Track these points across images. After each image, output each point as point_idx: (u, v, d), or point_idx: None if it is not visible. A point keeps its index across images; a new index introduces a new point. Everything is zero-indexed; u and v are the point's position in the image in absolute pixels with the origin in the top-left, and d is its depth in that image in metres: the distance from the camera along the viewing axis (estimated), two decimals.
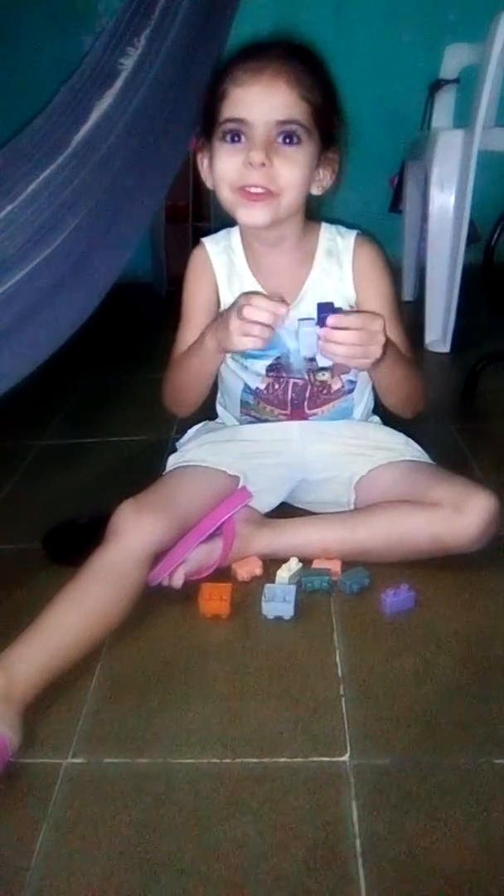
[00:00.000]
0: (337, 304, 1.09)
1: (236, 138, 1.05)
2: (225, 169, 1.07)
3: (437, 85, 2.58)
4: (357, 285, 1.20)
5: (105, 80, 1.29)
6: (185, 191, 2.96)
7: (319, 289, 1.20)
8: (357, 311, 1.14)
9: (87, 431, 1.80)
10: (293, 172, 1.06)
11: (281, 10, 2.85)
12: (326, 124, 1.08)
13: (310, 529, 1.20)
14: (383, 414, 1.37)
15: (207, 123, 1.09)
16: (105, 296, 1.34)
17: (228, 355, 1.26)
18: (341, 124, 1.11)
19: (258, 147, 1.03)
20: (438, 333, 2.25)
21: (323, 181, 1.14)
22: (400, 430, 1.30)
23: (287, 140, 1.05)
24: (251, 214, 1.09)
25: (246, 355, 1.22)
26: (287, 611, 1.06)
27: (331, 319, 0.96)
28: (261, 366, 1.23)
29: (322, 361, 1.17)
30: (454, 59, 2.54)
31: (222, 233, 1.24)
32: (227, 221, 1.19)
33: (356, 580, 1.12)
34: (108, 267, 1.27)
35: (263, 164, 1.03)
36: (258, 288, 1.19)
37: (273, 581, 1.13)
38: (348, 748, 0.86)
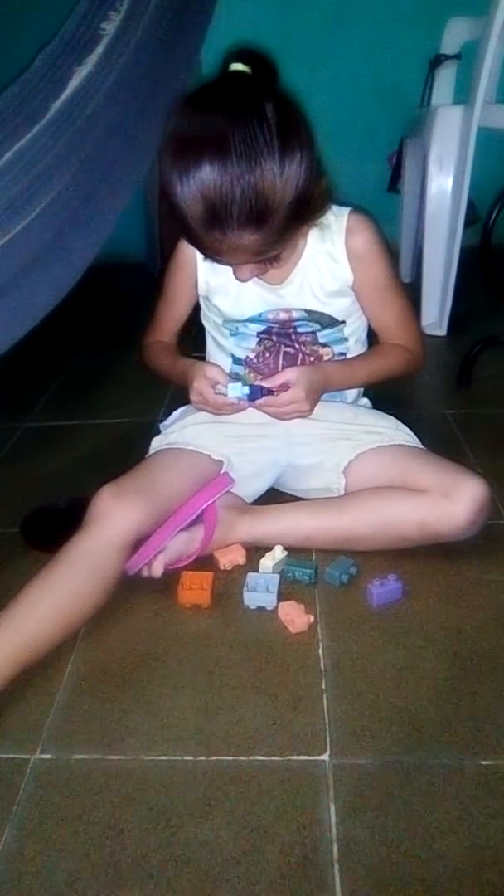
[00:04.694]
0: (333, 287, 1.16)
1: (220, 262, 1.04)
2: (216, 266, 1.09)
3: (437, 60, 2.50)
4: (353, 265, 1.16)
5: (85, 46, 1.24)
6: None
7: (312, 271, 1.16)
8: (284, 391, 1.11)
9: (72, 413, 1.76)
10: (281, 263, 1.07)
11: None
12: (305, 211, 0.99)
13: (293, 516, 1.17)
14: (374, 397, 1.34)
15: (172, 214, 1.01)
16: (95, 274, 1.30)
17: (216, 329, 1.24)
18: (321, 177, 1.00)
19: (241, 270, 1.04)
20: (435, 316, 2.20)
21: (315, 213, 1.07)
22: (393, 415, 1.26)
23: (270, 259, 1.03)
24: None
25: (238, 321, 1.20)
26: (269, 601, 1.03)
27: (259, 401, 1.10)
28: (254, 329, 1.20)
29: None
30: (455, 34, 2.47)
31: None
32: None
33: (343, 570, 1.08)
34: (88, 242, 1.23)
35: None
36: None
37: (256, 570, 1.09)
38: (328, 746, 0.82)
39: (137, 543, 1.04)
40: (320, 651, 0.96)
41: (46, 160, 1.17)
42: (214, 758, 0.82)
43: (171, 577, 1.07)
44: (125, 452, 1.32)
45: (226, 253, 0.98)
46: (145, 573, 1.07)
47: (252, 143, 0.89)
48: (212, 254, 0.99)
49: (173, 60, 1.29)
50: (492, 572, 1.10)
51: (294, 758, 0.81)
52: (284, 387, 1.09)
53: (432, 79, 2.52)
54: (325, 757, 0.81)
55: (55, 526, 1.20)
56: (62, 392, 1.92)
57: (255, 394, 1.09)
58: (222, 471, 1.18)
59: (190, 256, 1.19)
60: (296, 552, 1.12)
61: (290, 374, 1.10)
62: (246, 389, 1.08)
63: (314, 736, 0.84)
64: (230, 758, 0.82)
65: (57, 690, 0.92)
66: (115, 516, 1.02)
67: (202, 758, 0.82)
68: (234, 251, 0.97)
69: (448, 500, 1.06)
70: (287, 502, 1.21)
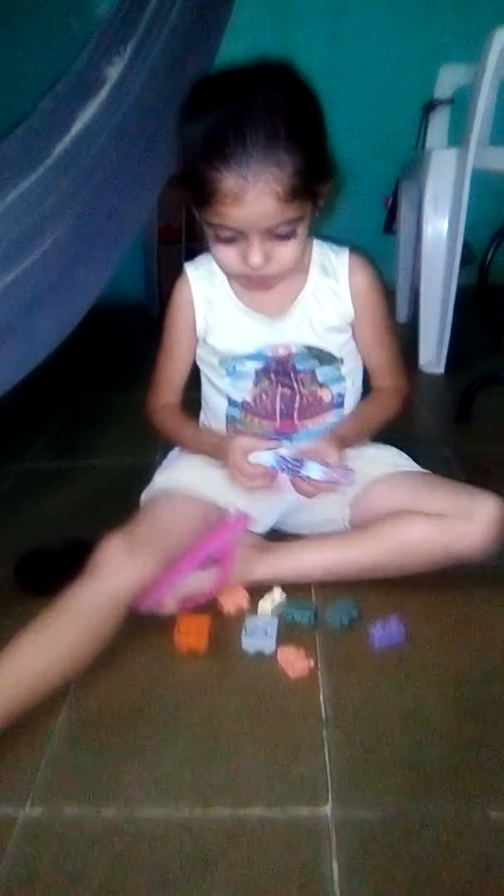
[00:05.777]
0: (333, 322, 1.17)
1: (231, 241, 1.01)
2: (223, 262, 1.06)
3: (431, 105, 2.56)
4: (355, 302, 1.17)
5: (90, 90, 1.25)
6: (177, 213, 2.93)
7: (313, 305, 1.16)
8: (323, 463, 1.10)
9: (68, 454, 1.74)
10: (292, 254, 1.04)
11: (276, 30, 2.85)
12: (318, 187, 1.01)
13: (315, 550, 1.15)
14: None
15: (187, 187, 1.01)
16: (95, 316, 1.30)
17: (212, 369, 1.22)
18: (332, 169, 1.03)
19: (256, 249, 1.00)
20: (433, 355, 2.20)
21: (324, 197, 1.06)
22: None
23: (283, 235, 1.01)
24: (255, 292, 1.12)
25: (235, 358, 1.18)
26: (268, 646, 1.00)
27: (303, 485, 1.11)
28: (251, 367, 1.18)
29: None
30: (448, 80, 2.52)
31: (203, 257, 1.20)
32: None
33: (344, 612, 1.06)
34: (91, 282, 1.23)
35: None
36: (242, 308, 1.16)
37: (255, 612, 1.07)
38: (330, 798, 0.79)
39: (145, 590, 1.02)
40: (321, 697, 0.93)
41: (50, 201, 1.17)
42: (212, 811, 0.78)
43: (167, 621, 1.05)
44: (123, 494, 1.30)
45: (244, 203, 0.95)
46: (157, 611, 1.04)
47: (271, 86, 0.95)
48: (229, 208, 0.96)
49: (175, 104, 1.30)
50: (495, 612, 1.08)
51: (295, 810, 0.78)
52: (313, 454, 1.10)
53: (426, 122, 2.57)
54: (328, 809, 0.78)
55: (51, 569, 1.17)
56: (58, 433, 1.91)
57: (285, 464, 1.09)
58: (238, 510, 1.16)
59: (186, 296, 1.18)
60: (294, 593, 1.10)
61: (321, 448, 1.10)
62: (272, 458, 1.10)
63: (315, 787, 0.81)
64: (228, 811, 0.78)
65: (48, 740, 0.88)
66: (122, 570, 0.99)
67: (199, 812, 0.78)
68: (253, 199, 0.94)
69: (467, 521, 1.06)
70: (303, 538, 1.19)
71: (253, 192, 0.94)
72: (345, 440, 1.15)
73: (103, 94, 1.23)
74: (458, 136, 2.17)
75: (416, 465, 1.23)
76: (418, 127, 2.60)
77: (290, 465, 1.09)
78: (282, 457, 1.10)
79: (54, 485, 1.58)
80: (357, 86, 2.87)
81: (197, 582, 1.08)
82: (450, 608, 1.09)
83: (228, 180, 0.94)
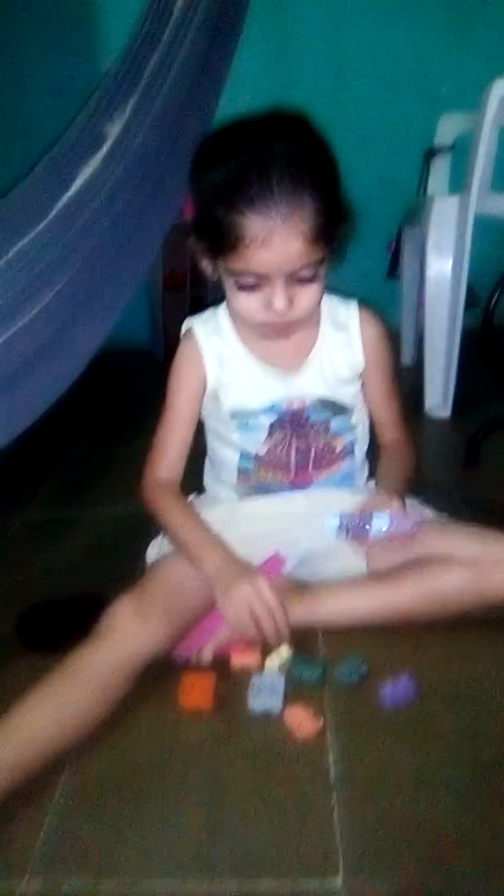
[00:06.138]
0: (345, 374, 1.18)
1: (253, 288, 1.01)
2: (245, 310, 1.05)
3: (431, 153, 2.60)
4: (366, 354, 1.18)
5: (90, 147, 1.27)
6: (183, 259, 2.97)
7: (326, 358, 1.17)
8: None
9: (72, 505, 1.73)
10: (314, 298, 1.05)
11: (280, 82, 2.90)
12: (337, 228, 1.02)
13: (351, 595, 1.12)
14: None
15: (207, 236, 1.01)
16: (100, 361, 1.29)
17: (221, 424, 1.20)
18: (348, 211, 1.04)
19: (280, 293, 1.00)
20: (439, 398, 2.19)
21: (340, 241, 1.07)
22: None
23: (306, 279, 1.01)
24: (275, 340, 1.11)
25: (249, 413, 1.17)
26: (275, 705, 0.97)
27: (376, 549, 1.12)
28: (265, 421, 1.17)
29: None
30: (448, 128, 2.57)
31: (208, 313, 1.20)
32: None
33: (354, 669, 1.03)
34: (92, 335, 1.23)
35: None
36: (256, 364, 1.15)
37: (262, 669, 1.04)
38: (341, 869, 0.76)
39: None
40: (330, 760, 0.90)
41: (50, 257, 1.18)
42: (218, 885, 0.75)
43: (172, 679, 1.02)
44: (128, 545, 1.28)
45: (272, 246, 0.95)
46: (194, 659, 1.03)
47: (289, 132, 0.98)
48: (256, 252, 0.95)
49: (175, 161, 1.32)
50: None
51: (305, 882, 0.75)
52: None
53: (427, 170, 2.61)
54: (339, 881, 0.75)
55: (54, 625, 1.16)
56: (62, 483, 1.89)
57: (351, 522, 1.08)
58: (274, 551, 1.14)
59: (195, 355, 1.16)
60: (301, 649, 1.07)
61: (379, 500, 1.10)
62: (337, 520, 1.09)
63: (326, 857, 0.77)
64: (236, 884, 0.75)
65: (48, 807, 0.85)
66: (134, 635, 0.97)
67: (204, 886, 0.75)
68: (281, 241, 0.94)
69: (500, 569, 1.05)
70: (339, 583, 1.16)
71: (280, 234, 0.94)
72: (396, 492, 1.14)
73: (104, 150, 1.25)
74: (459, 183, 2.19)
75: (432, 512, 1.23)
76: (420, 174, 2.64)
77: (356, 524, 1.07)
78: (346, 516, 1.08)
79: (57, 537, 1.56)
80: (360, 135, 2.91)
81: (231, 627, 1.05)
82: (460, 660, 1.06)
83: (255, 224, 0.94)
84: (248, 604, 1.01)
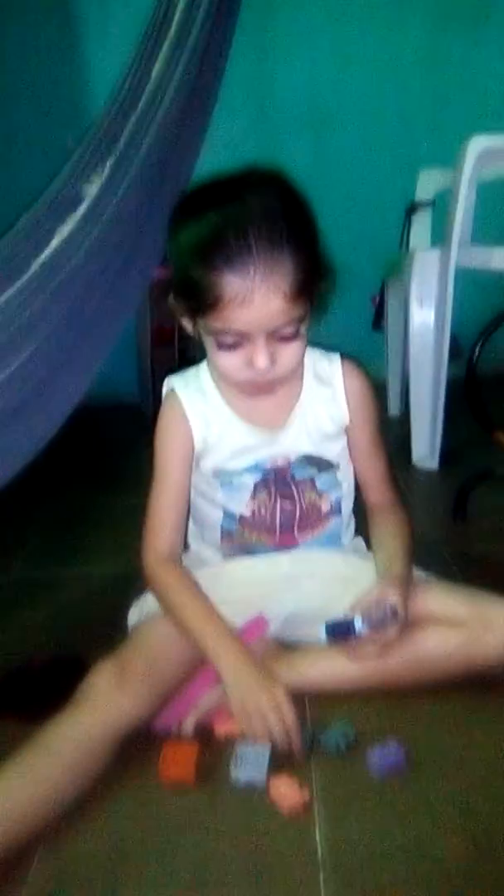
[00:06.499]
0: (330, 429, 1.15)
1: (234, 346, 0.99)
2: (226, 369, 1.03)
3: (413, 208, 2.65)
4: (351, 408, 1.16)
5: (68, 206, 1.27)
6: (170, 314, 2.97)
7: (310, 414, 1.14)
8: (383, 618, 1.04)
9: (52, 564, 1.67)
10: (296, 355, 1.03)
11: (260, 140, 2.96)
12: (318, 285, 1.00)
13: (338, 659, 1.08)
14: (365, 535, 1.28)
15: (186, 296, 0.99)
16: (87, 415, 1.27)
17: (204, 482, 1.17)
18: (328, 267, 1.02)
19: (262, 352, 0.98)
20: (426, 450, 2.18)
21: (322, 297, 1.06)
22: None
23: (287, 336, 0.99)
24: (257, 399, 1.09)
25: (233, 472, 1.14)
26: (260, 777, 0.92)
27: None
28: (249, 479, 1.14)
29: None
30: (428, 184, 2.62)
31: (190, 372, 1.18)
32: None
33: (341, 736, 0.99)
34: (68, 393, 1.22)
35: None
36: (241, 423, 1.13)
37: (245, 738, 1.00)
38: None
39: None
40: (317, 835, 0.86)
41: (26, 316, 1.18)
42: None
43: (153, 749, 0.98)
44: (110, 605, 1.25)
45: (252, 305, 0.92)
46: (175, 731, 0.99)
47: (265, 189, 0.96)
48: (235, 312, 0.93)
49: (152, 221, 1.33)
50: (497, 729, 1.01)
51: None
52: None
53: (409, 224, 2.65)
54: None
55: (31, 691, 1.11)
56: (43, 541, 1.83)
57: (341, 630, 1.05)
58: (258, 613, 1.11)
59: (179, 416, 1.13)
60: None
61: (380, 591, 1.05)
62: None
63: None
64: None
65: (21, 890, 0.80)
66: (114, 705, 0.93)
67: None
68: (261, 299, 0.92)
69: (487, 631, 1.03)
70: (325, 646, 1.10)
71: (260, 293, 0.93)
72: (401, 578, 1.08)
73: (82, 209, 1.26)
74: (439, 236, 2.22)
75: (422, 572, 1.19)
76: (401, 229, 2.68)
77: (341, 631, 1.04)
78: (331, 625, 1.05)
79: (36, 596, 1.51)
80: (342, 192, 2.97)
81: (214, 698, 1.01)
82: (451, 725, 1.03)
83: (234, 283, 0.92)
84: (263, 716, 0.96)
